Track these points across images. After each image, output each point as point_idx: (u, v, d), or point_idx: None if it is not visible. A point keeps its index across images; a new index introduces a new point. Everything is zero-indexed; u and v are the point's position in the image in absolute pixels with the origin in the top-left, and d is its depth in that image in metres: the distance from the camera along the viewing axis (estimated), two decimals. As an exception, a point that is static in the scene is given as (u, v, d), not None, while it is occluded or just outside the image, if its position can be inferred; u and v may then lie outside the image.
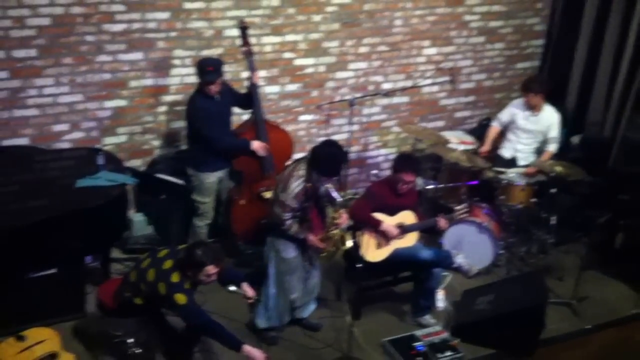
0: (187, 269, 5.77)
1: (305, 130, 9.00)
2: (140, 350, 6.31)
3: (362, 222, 6.98)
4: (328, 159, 6.37)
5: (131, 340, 6.23)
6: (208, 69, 7.15)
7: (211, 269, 5.77)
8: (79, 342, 6.59)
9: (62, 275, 6.69)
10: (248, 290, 6.13)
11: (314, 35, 8.67)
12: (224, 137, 7.41)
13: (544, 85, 8.48)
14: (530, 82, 8.52)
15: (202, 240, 5.92)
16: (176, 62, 8.09)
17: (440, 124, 9.89)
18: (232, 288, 6.02)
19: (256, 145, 7.43)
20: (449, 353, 6.77)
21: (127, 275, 6.21)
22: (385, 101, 9.37)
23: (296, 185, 6.35)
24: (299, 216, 6.50)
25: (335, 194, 6.49)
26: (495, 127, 8.86)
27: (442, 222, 7.19)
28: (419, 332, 7.00)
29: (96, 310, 6.42)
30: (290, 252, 6.62)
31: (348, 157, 6.61)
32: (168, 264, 5.84)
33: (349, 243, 6.59)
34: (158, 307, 5.97)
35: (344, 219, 6.60)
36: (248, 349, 5.83)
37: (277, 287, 6.75)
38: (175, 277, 5.78)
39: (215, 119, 7.25)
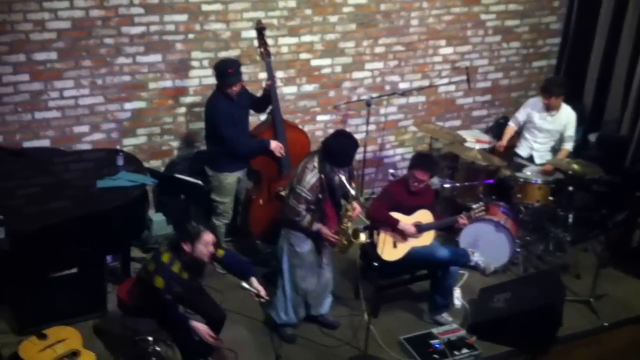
0: (184, 243, 5.83)
1: (322, 130, 9.03)
2: (160, 349, 6.38)
3: (380, 222, 7.02)
4: (339, 149, 6.42)
5: (151, 338, 6.29)
6: (229, 71, 7.22)
7: (207, 237, 5.87)
8: (100, 341, 6.66)
9: (83, 274, 6.77)
10: (259, 287, 6.08)
11: (330, 36, 8.72)
12: (244, 138, 7.48)
13: (564, 88, 8.45)
14: (552, 85, 8.45)
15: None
16: (194, 63, 8.15)
17: (456, 123, 9.91)
18: (245, 285, 6.03)
19: (274, 145, 7.49)
20: (465, 351, 6.83)
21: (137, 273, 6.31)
22: (401, 101, 9.40)
23: (311, 176, 6.41)
24: (314, 209, 6.55)
25: (348, 186, 6.51)
26: (512, 127, 8.85)
27: (463, 220, 7.20)
28: (436, 330, 7.05)
29: (116, 309, 6.49)
30: (303, 246, 6.68)
31: (358, 145, 6.63)
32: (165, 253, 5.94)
33: (363, 237, 6.64)
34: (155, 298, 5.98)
35: (357, 212, 6.65)
36: (195, 324, 5.98)
37: (290, 280, 6.80)
38: (165, 258, 5.88)
39: (235, 121, 7.32)
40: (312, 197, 6.46)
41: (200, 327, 6.00)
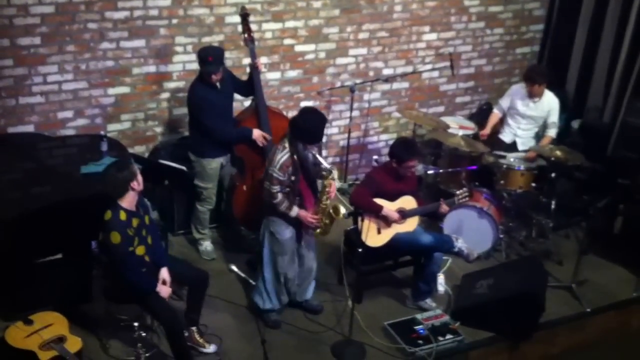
0: (131, 187, 5.91)
1: (306, 116, 9.01)
2: (145, 333, 6.38)
3: (363, 207, 7.04)
4: (310, 126, 6.41)
5: (136, 323, 6.29)
6: (209, 59, 7.18)
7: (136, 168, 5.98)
8: (86, 326, 6.65)
9: (68, 260, 6.75)
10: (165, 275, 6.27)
11: (314, 22, 8.70)
12: (226, 127, 7.46)
13: (547, 76, 8.49)
14: (535, 73, 8.48)
15: None
16: (178, 49, 8.12)
17: (440, 109, 9.91)
18: (233, 268, 6.06)
19: (256, 134, 7.46)
20: (449, 336, 6.85)
21: None
22: (385, 87, 9.41)
23: (281, 156, 6.42)
24: (289, 190, 6.54)
25: (323, 161, 6.51)
26: (496, 114, 8.90)
27: (443, 206, 7.25)
28: (419, 316, 7.09)
29: (101, 295, 6.48)
30: (284, 233, 6.69)
31: (326, 119, 6.64)
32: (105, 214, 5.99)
33: (343, 211, 6.61)
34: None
35: (334, 187, 6.65)
36: (160, 287, 6.12)
37: (271, 267, 6.82)
38: (107, 215, 5.90)
39: (216, 108, 7.29)
40: (284, 176, 6.45)
41: (164, 289, 6.15)
